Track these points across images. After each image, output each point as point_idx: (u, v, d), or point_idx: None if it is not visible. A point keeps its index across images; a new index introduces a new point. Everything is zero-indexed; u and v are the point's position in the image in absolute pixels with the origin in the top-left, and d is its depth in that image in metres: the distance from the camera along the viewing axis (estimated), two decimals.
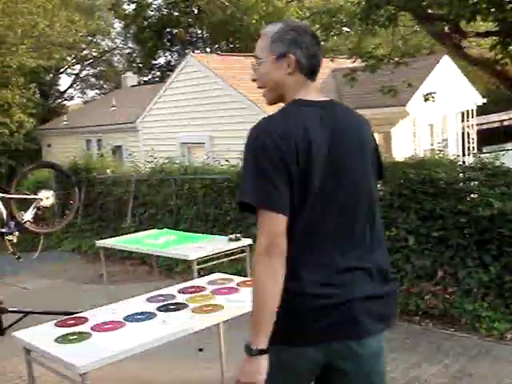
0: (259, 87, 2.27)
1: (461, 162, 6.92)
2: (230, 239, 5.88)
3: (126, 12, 31.99)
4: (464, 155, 17.16)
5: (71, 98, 41.03)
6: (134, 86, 25.13)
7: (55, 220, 7.81)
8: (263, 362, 1.97)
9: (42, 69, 24.05)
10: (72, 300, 7.47)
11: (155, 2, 32.18)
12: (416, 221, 6.44)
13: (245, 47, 25.33)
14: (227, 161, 9.52)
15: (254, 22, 23.06)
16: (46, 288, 8.97)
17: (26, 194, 7.17)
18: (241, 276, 4.53)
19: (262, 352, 1.96)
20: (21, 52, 20.44)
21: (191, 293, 3.93)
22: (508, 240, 5.80)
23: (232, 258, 6.03)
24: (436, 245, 6.32)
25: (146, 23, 31.55)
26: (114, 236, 10.92)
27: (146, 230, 10.06)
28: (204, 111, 14.56)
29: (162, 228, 7.21)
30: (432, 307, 5.94)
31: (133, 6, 31.69)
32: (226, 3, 25.23)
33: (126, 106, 19.91)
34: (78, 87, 42.32)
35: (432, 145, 16.52)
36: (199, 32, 33.80)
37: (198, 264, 5.47)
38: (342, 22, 8.59)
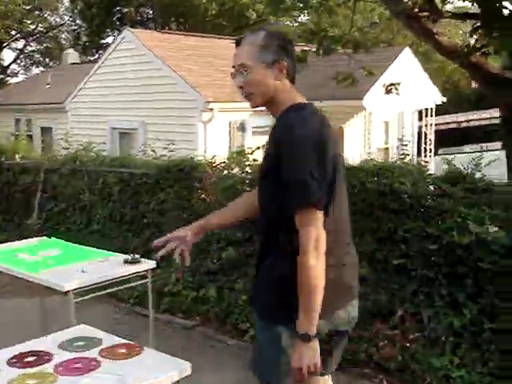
0: (246, 93, 2.41)
1: (431, 171, 5.52)
2: (126, 261, 4.41)
3: None
4: (419, 156, 16.05)
5: (15, 75, 39.17)
6: (74, 63, 23.25)
7: None
8: (317, 344, 2.25)
9: None
10: None
11: None
12: (371, 243, 5.06)
13: (194, 29, 23.86)
14: (153, 151, 8.06)
15: (204, 1, 21.47)
16: None
17: None
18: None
19: (315, 336, 2.24)
20: None
21: (24, 366, 2.47)
22: (488, 275, 4.48)
23: (126, 286, 4.53)
24: (395, 275, 4.96)
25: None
26: (20, 234, 9.48)
27: (53, 228, 8.74)
28: (138, 94, 12.97)
29: (50, 237, 5.67)
30: (388, 358, 4.58)
31: None
32: None
33: (61, 85, 18.14)
34: (23, 63, 40.55)
35: (386, 143, 15.36)
36: (150, 12, 32.31)
37: (78, 295, 4.00)
38: None
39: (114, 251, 4.91)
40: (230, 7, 22.88)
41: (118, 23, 31.67)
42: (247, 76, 2.36)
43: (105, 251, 4.89)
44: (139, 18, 32.10)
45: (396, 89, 7.08)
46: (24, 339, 2.80)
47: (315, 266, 2.17)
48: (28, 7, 33.40)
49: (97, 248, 5.02)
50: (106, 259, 4.61)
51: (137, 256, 4.46)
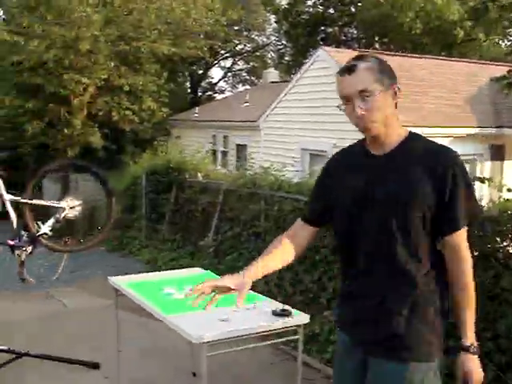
0: (367, 122, 2.28)
1: None
2: (275, 312, 3.76)
3: (278, 7, 30.71)
4: None
5: (222, 92, 40.70)
6: (273, 82, 23.36)
7: (82, 236, 6.03)
8: None
9: (178, 57, 23.00)
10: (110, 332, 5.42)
11: None
12: None
13: (399, 48, 22.97)
14: None
15: (408, 20, 20.47)
16: (89, 309, 7.27)
17: (47, 200, 5.57)
18: None
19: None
20: (153, 37, 19.35)
21: None
22: None
23: (269, 342, 3.89)
24: None
25: (298, 19, 30.04)
26: (192, 253, 9.29)
27: (226, 253, 8.39)
28: (331, 115, 12.35)
29: (207, 269, 5.22)
30: None
31: (286, 1, 30.46)
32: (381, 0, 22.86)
33: (258, 103, 18.18)
34: (230, 81, 42.08)
35: None
36: (354, 32, 31.88)
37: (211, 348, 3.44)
38: None
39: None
40: (436, 26, 21.63)
41: (321, 43, 31.55)
42: (370, 101, 2.27)
43: (255, 294, 4.30)
44: (343, 37, 31.78)
45: None
46: None
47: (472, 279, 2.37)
48: (237, 28, 34.52)
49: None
50: (254, 305, 4.00)
51: (287, 307, 3.81)
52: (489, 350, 4.53)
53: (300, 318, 3.78)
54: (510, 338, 4.48)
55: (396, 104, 2.35)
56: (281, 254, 2.56)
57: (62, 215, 5.30)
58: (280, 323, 3.66)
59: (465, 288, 2.33)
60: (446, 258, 2.35)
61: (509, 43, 25.98)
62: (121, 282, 4.71)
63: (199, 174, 9.67)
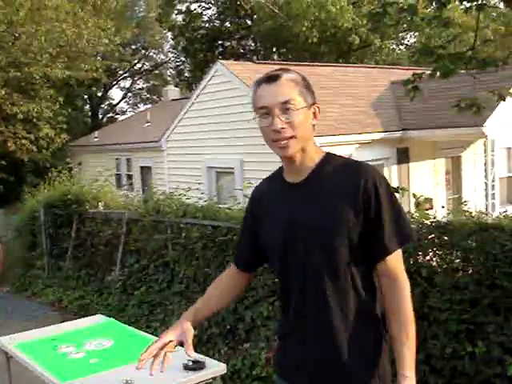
0: (286, 137, 2.07)
1: None
2: (187, 366, 3.29)
3: (174, 23, 30.33)
4: None
5: (123, 113, 39.93)
6: (174, 99, 22.83)
7: None
8: None
9: (74, 81, 22.21)
10: None
11: (206, 13, 30.43)
12: None
13: (295, 58, 22.96)
14: (246, 196, 6.96)
15: (304, 29, 20.42)
16: None
17: None
18: None
19: None
20: (44, 61, 18.53)
21: None
22: None
23: None
24: None
25: (195, 34, 29.75)
26: (99, 290, 8.67)
27: (134, 287, 7.83)
28: (234, 130, 12.00)
29: (130, 295, 4.68)
30: None
31: (182, 17, 30.13)
32: (276, 10, 22.77)
33: (160, 123, 17.62)
34: (131, 101, 41.34)
35: (510, 171, 13.64)
36: (252, 44, 31.85)
37: None
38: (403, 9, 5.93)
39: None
40: (332, 33, 21.72)
41: (220, 57, 31.37)
42: (294, 115, 2.06)
43: None
44: (242, 50, 31.68)
45: None
46: None
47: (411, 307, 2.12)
48: (134, 46, 33.91)
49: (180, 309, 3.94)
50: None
51: (199, 358, 3.34)
52: (423, 373, 4.23)
53: (215, 369, 3.33)
54: (444, 358, 4.18)
55: (314, 126, 2.15)
56: (217, 296, 2.43)
57: None
58: (191, 380, 3.19)
59: (404, 321, 2.07)
60: (382, 286, 2.13)
61: (403, 47, 26.51)
62: (9, 342, 4.12)
63: (100, 204, 9.06)
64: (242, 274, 2.44)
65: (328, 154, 2.22)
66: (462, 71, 6.09)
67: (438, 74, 5.67)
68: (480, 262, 4.05)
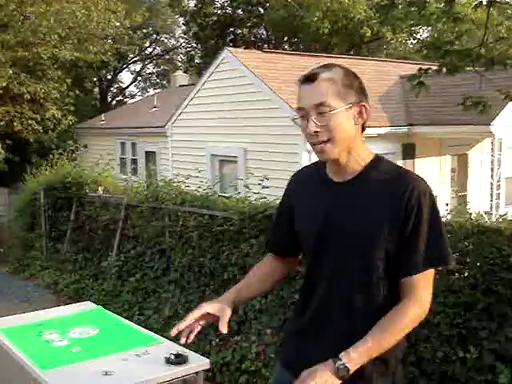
0: (321, 140, 2.01)
1: None
2: (169, 360, 3.21)
3: (186, 9, 30.19)
4: None
5: (132, 97, 39.90)
6: (182, 85, 22.73)
7: None
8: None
9: (82, 63, 22.16)
10: None
11: (218, 0, 30.28)
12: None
13: (306, 49, 22.80)
14: (247, 187, 6.90)
15: (315, 19, 20.24)
16: None
17: None
18: None
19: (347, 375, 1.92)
20: (53, 42, 18.44)
21: None
22: None
23: None
24: None
25: (207, 21, 29.60)
26: (95, 275, 8.61)
27: (129, 273, 7.78)
28: (238, 118, 11.91)
29: (124, 282, 4.61)
30: None
31: (194, 3, 30.04)
32: None
33: (167, 108, 17.54)
34: (141, 86, 41.29)
35: None
36: (264, 33, 31.68)
37: None
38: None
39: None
40: (344, 25, 21.55)
41: (231, 44, 31.25)
42: (329, 118, 1.99)
43: (152, 335, 3.74)
44: (253, 38, 31.52)
45: None
46: None
47: (415, 322, 2.02)
48: (145, 30, 33.78)
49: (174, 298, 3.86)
50: (146, 351, 3.43)
51: (182, 351, 3.26)
52: (413, 376, 4.15)
53: (198, 364, 3.24)
54: (435, 362, 4.10)
55: (363, 126, 2.07)
56: (258, 280, 2.38)
57: None
58: (172, 374, 3.11)
59: (391, 326, 1.98)
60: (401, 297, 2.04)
61: (415, 41, 26.27)
62: None
63: (100, 188, 9.00)
64: (279, 258, 2.40)
65: (378, 157, 2.15)
66: (470, 68, 5.97)
67: (445, 70, 5.57)
68: (476, 265, 3.96)
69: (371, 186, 2.07)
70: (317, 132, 2.00)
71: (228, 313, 2.19)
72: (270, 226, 2.61)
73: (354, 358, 1.92)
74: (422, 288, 2.01)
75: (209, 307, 2.21)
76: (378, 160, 2.13)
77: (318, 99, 1.99)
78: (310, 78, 2.02)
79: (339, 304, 2.08)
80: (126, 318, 5.19)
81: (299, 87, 2.06)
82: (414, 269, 2.00)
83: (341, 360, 1.91)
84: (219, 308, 2.21)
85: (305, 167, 2.37)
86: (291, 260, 2.43)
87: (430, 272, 2.04)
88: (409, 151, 12.23)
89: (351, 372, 1.91)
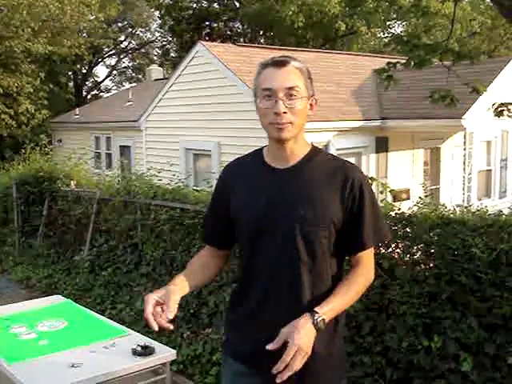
0: (286, 121, 2.12)
1: None
2: (135, 352, 3.24)
3: (161, 2, 30.02)
4: None
5: (108, 91, 39.62)
6: (157, 79, 22.64)
7: None
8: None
9: (56, 57, 21.97)
10: None
11: None
12: (477, 330, 3.71)
13: (283, 42, 22.82)
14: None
15: (290, 14, 20.27)
16: None
17: None
18: None
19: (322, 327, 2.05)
20: (26, 36, 18.28)
21: None
22: None
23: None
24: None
25: (182, 14, 29.47)
26: (68, 269, 8.58)
27: (102, 267, 7.75)
28: (212, 112, 11.91)
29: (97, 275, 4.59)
30: None
31: None
32: None
33: (141, 103, 17.46)
34: (116, 79, 41.03)
35: (488, 165, 13.67)
36: (239, 27, 31.65)
37: None
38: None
39: None
40: (319, 19, 21.59)
41: (207, 38, 31.17)
42: (297, 102, 2.14)
43: (120, 328, 3.76)
44: (229, 32, 31.48)
45: (509, 110, 5.63)
46: None
47: (364, 289, 2.25)
48: (120, 24, 33.56)
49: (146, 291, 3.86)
50: (113, 343, 3.45)
51: (149, 343, 3.28)
52: (380, 366, 4.20)
53: (165, 355, 3.27)
54: (401, 351, 4.16)
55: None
56: (199, 273, 2.40)
57: None
58: (138, 365, 3.13)
59: (352, 285, 2.19)
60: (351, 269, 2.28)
61: (389, 35, 26.41)
62: None
63: (72, 182, 8.95)
64: (214, 251, 2.44)
65: (315, 146, 2.30)
66: (438, 62, 6.04)
67: (412, 63, 5.63)
68: (440, 256, 4.02)
69: (316, 171, 2.21)
70: (285, 113, 2.11)
71: (173, 298, 2.14)
72: (204, 218, 2.65)
73: (327, 312, 2.07)
74: (370, 261, 2.26)
75: (154, 296, 2.17)
76: (316, 149, 2.29)
77: (292, 83, 2.12)
78: (281, 63, 2.15)
79: (288, 286, 2.17)
80: (98, 312, 5.21)
81: (265, 69, 2.17)
82: (364, 247, 2.22)
83: (318, 313, 2.04)
84: (162, 294, 2.17)
85: (239, 158, 2.44)
86: (225, 254, 2.48)
87: (373, 250, 2.28)
88: (382, 145, 12.29)
89: (326, 322, 2.06)
